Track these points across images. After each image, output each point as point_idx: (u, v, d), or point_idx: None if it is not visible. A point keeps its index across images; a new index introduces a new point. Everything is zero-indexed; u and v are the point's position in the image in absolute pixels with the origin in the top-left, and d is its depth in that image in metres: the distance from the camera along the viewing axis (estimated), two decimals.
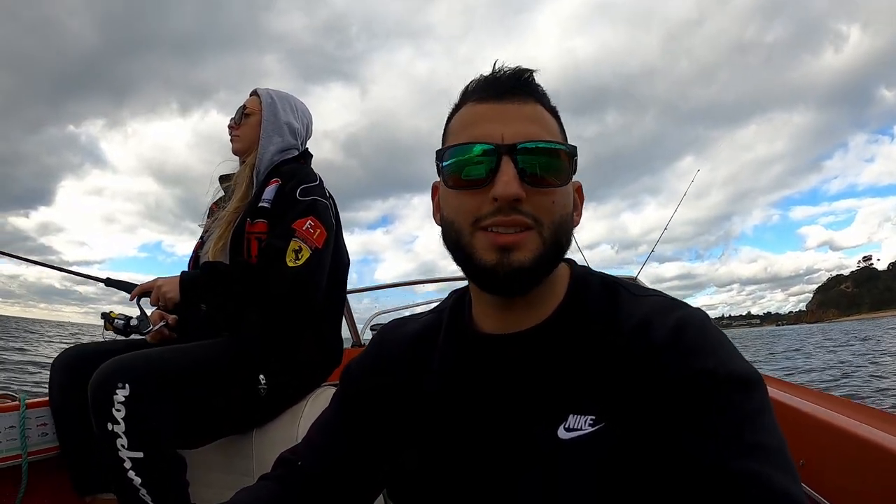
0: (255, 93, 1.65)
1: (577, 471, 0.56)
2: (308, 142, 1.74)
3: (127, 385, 1.19)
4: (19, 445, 1.39)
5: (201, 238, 1.70)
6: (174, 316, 1.59)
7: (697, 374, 0.53)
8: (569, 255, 0.66)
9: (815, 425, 0.98)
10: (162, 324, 1.56)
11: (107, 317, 1.53)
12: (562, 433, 0.58)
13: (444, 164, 0.62)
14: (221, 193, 1.70)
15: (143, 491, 1.18)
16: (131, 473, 1.17)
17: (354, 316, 3.18)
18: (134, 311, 1.54)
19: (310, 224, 1.45)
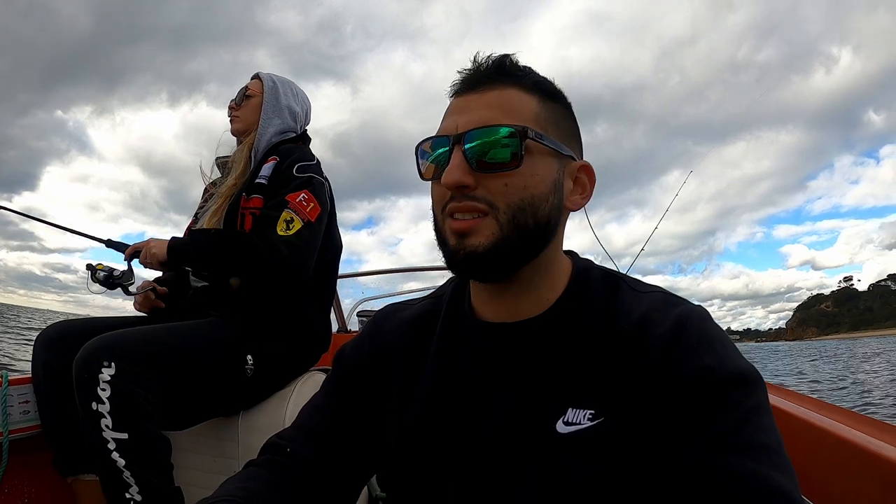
0: (257, 76, 1.66)
1: (575, 465, 0.56)
2: (306, 127, 1.74)
3: (113, 363, 1.17)
4: (0, 423, 1.36)
5: (195, 216, 1.68)
6: (164, 288, 1.58)
7: (697, 372, 0.54)
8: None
9: (808, 431, 0.99)
10: (149, 288, 1.54)
11: (92, 268, 1.51)
12: (560, 427, 0.58)
13: (419, 159, 0.66)
14: (217, 175, 1.70)
15: (126, 473, 1.16)
16: (115, 455, 1.15)
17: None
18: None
19: (303, 197, 1.45)
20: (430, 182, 0.66)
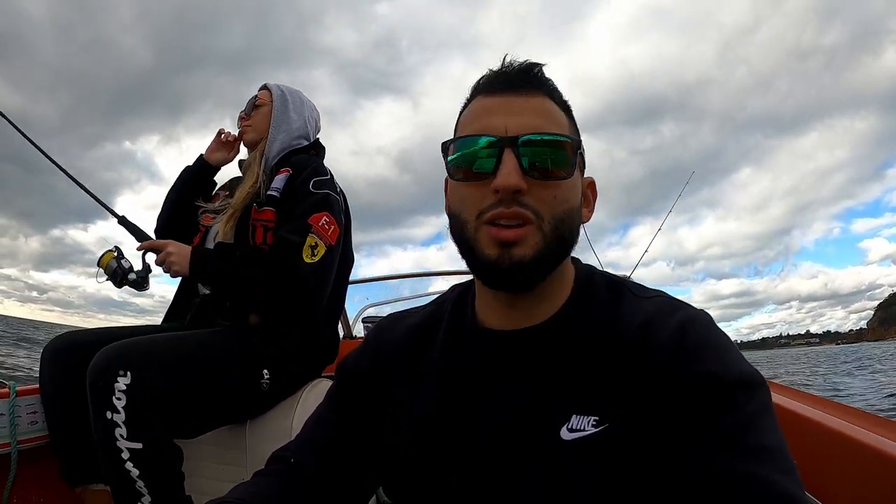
0: (265, 86, 1.70)
1: (579, 472, 0.56)
2: (318, 136, 1.76)
3: (128, 373, 1.16)
4: (9, 433, 1.37)
5: (207, 213, 1.68)
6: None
7: (701, 377, 0.53)
8: (579, 251, 0.66)
9: (810, 428, 0.98)
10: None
11: (101, 258, 1.46)
12: (564, 433, 0.58)
13: (450, 156, 0.62)
14: (228, 178, 1.73)
15: (139, 483, 1.15)
16: (129, 465, 1.14)
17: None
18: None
19: (325, 220, 1.45)
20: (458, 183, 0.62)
